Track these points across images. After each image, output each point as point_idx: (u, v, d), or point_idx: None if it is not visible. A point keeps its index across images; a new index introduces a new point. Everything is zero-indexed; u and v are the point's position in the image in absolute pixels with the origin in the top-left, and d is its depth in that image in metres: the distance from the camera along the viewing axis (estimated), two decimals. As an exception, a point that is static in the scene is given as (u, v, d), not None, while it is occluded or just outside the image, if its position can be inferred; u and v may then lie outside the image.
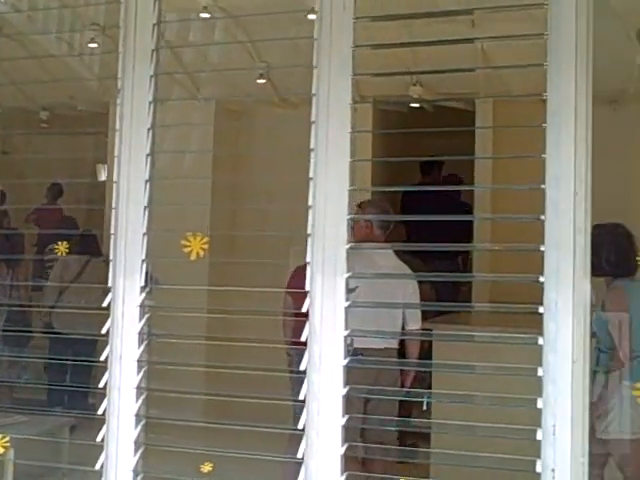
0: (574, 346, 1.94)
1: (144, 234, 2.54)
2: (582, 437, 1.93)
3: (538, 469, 1.90)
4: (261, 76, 6.06)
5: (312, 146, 2.35)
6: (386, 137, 5.82)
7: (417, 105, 6.52)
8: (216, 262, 4.48)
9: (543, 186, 2.06)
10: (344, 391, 2.19)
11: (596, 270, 3.52)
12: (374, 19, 2.55)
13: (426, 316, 4.24)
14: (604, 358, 3.60)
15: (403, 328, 3.94)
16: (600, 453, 3.44)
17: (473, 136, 5.86)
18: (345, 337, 2.22)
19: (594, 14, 2.18)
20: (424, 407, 3.63)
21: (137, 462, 2.43)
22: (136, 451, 2.44)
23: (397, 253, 3.97)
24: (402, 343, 3.97)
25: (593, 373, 3.51)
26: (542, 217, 2.04)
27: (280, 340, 3.96)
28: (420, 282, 4.94)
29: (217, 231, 4.74)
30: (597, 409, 3.43)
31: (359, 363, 2.29)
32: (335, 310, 2.24)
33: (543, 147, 2.10)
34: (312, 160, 2.35)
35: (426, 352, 4.03)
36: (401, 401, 3.71)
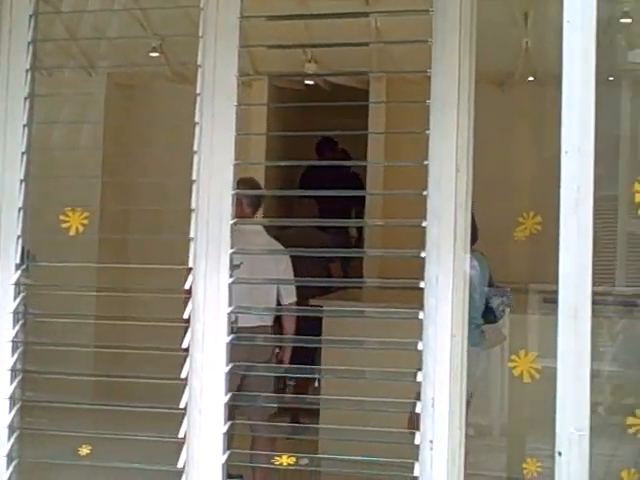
0: (453, 320, 1.97)
1: (20, 209, 2.42)
2: (460, 409, 1.97)
3: (417, 441, 1.93)
4: (154, 49, 5.89)
5: (197, 119, 2.29)
6: (282, 115, 5.79)
7: (312, 83, 6.51)
8: (108, 238, 4.36)
9: (426, 162, 2.08)
10: (227, 369, 2.16)
11: None
12: (263, -10, 2.51)
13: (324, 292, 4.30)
14: None
15: (279, 304, 3.93)
16: None
17: (367, 115, 5.91)
18: (229, 314, 2.18)
19: (481, -5, 2.21)
20: (316, 384, 3.65)
21: (11, 447, 2.33)
22: (10, 436, 2.33)
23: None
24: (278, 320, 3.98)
25: None
26: (425, 193, 2.06)
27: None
28: (330, 258, 4.98)
29: (109, 207, 4.60)
30: None
31: (243, 341, 2.27)
32: (219, 287, 2.20)
33: (427, 124, 2.12)
34: (197, 133, 2.29)
35: (312, 328, 4.03)
36: (282, 377, 3.68)
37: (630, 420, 2.33)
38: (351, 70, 5.21)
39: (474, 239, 3.81)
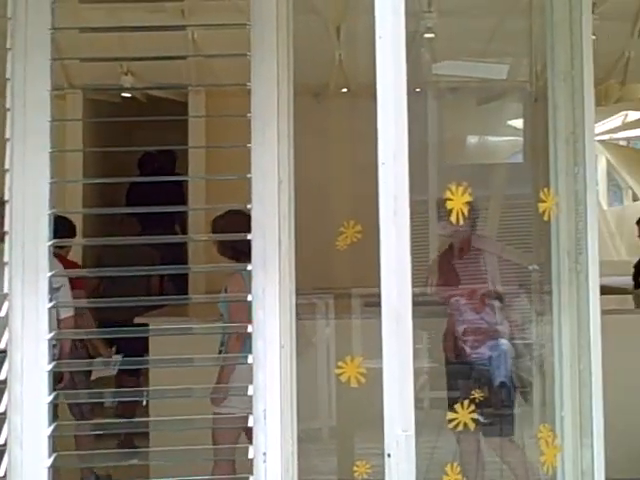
0: (282, 331, 1.99)
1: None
2: (291, 420, 1.99)
3: (250, 455, 1.93)
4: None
5: (7, 135, 2.17)
6: (98, 129, 5.62)
7: (130, 95, 6.38)
8: None
9: (249, 175, 2.09)
10: (49, 399, 2.05)
11: (222, 252, 3.73)
12: (81, 1, 2.43)
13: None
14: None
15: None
16: None
17: (187, 128, 5.88)
18: (49, 340, 2.08)
19: (295, 9, 2.26)
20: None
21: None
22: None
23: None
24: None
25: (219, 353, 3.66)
26: (249, 206, 2.07)
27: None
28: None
29: None
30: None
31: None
32: (38, 312, 2.09)
33: (249, 138, 2.13)
34: (8, 151, 2.16)
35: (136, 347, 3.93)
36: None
37: (450, 415, 2.46)
38: (169, 83, 5.16)
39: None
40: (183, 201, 6.18)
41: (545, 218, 2.43)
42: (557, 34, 2.62)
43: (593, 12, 5.39)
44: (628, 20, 5.77)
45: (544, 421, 2.44)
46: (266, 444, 1.93)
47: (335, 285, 4.51)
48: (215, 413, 3.27)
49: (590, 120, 2.53)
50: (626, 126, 10.73)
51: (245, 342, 3.70)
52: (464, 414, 2.41)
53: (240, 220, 3.81)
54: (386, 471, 1.48)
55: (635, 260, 7.15)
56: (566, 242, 2.49)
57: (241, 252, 3.89)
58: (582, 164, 2.51)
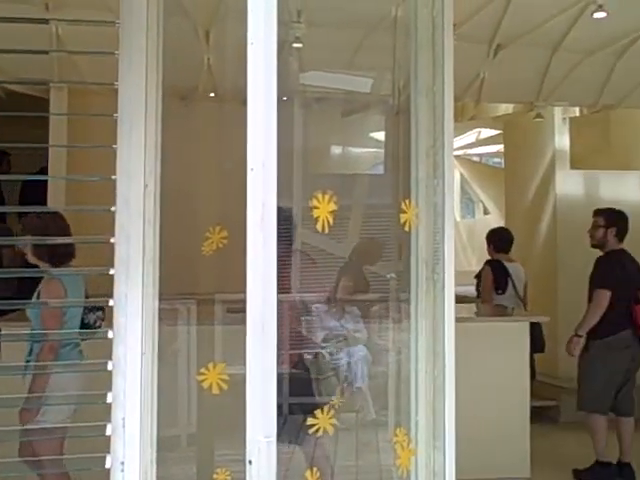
0: (144, 338, 1.95)
1: None
2: (151, 427, 1.95)
3: (107, 464, 1.88)
4: None
5: None
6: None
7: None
8: None
9: (114, 177, 2.04)
10: None
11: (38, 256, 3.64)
12: None
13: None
14: (37, 347, 3.60)
15: None
16: None
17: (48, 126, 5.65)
18: None
19: (166, 10, 2.22)
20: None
21: None
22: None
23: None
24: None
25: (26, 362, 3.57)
26: (113, 209, 2.01)
27: None
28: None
29: None
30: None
31: None
32: None
33: (115, 139, 2.08)
34: None
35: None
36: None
37: (310, 421, 2.49)
38: (28, 78, 4.95)
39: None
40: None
41: (406, 228, 2.51)
42: (420, 52, 2.71)
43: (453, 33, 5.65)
44: (484, 42, 6.07)
45: (400, 425, 2.52)
46: (124, 453, 1.88)
47: (199, 291, 4.47)
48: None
49: (449, 134, 2.63)
50: (479, 143, 11.30)
51: (58, 352, 3.58)
52: (324, 419, 2.45)
53: (58, 222, 3.70)
54: (247, 478, 1.48)
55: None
56: (424, 252, 2.58)
57: (61, 255, 3.77)
58: (441, 177, 2.61)
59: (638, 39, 5.80)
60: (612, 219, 5.94)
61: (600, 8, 5.01)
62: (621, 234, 5.88)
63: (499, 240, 7.32)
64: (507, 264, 7.12)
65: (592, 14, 5.14)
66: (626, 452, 5.62)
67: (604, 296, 5.50)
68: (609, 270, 5.68)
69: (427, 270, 2.57)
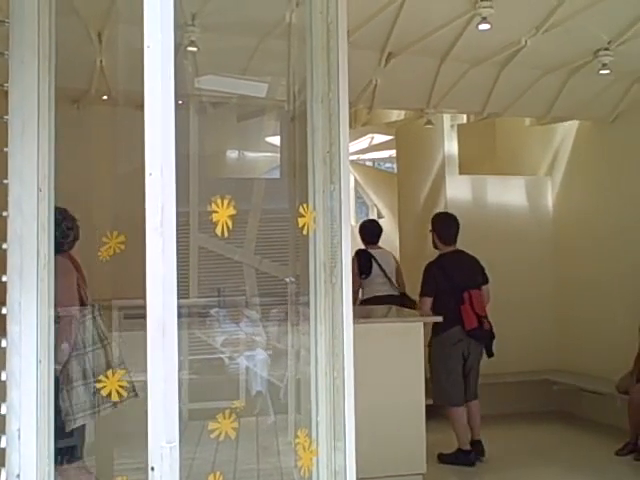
0: (39, 346, 1.90)
1: None
2: (48, 438, 1.90)
3: (3, 477, 1.82)
4: None
5: None
6: None
7: None
8: None
9: (6, 181, 1.98)
10: None
11: None
12: None
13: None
14: None
15: None
16: None
17: None
18: None
19: (57, 10, 2.17)
20: None
21: None
22: None
23: None
24: None
25: None
26: (5, 213, 1.95)
27: None
28: None
29: None
30: None
31: None
32: None
33: (6, 141, 2.02)
34: None
35: None
36: None
37: (211, 425, 2.48)
38: None
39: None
40: None
41: (304, 232, 2.55)
42: (315, 58, 2.75)
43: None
44: (377, 50, 6.20)
45: (301, 427, 2.55)
46: (20, 465, 1.83)
47: (96, 297, 4.37)
48: None
49: (345, 140, 2.69)
50: (373, 148, 11.52)
51: None
52: (226, 424, 2.45)
53: None
54: (149, 484, 1.47)
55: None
56: (323, 255, 2.63)
57: None
58: (337, 182, 2.66)
59: (520, 51, 6.05)
60: (433, 224, 6.55)
61: (484, 20, 5.19)
62: (445, 237, 6.39)
63: (367, 234, 7.86)
64: (372, 251, 7.64)
65: (477, 26, 5.32)
66: (476, 431, 6.27)
67: (425, 303, 6.16)
68: (430, 278, 6.25)
69: (325, 273, 2.61)
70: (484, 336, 6.21)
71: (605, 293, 7.62)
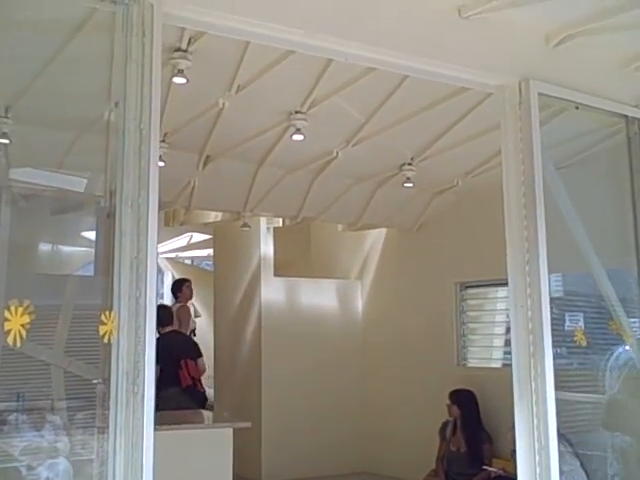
0: None
1: None
2: None
3: None
4: None
5: None
6: None
7: None
8: None
9: None
10: None
11: None
12: None
13: None
14: None
15: None
16: None
17: None
18: None
19: None
20: None
21: None
22: None
23: None
24: None
25: None
26: None
27: None
28: None
29: None
30: None
31: None
32: None
33: None
34: None
35: None
36: None
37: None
38: None
39: None
40: None
41: (105, 340, 2.50)
42: (127, 161, 2.77)
43: (164, 141, 5.84)
44: (196, 152, 6.32)
45: None
46: None
47: None
48: None
49: (153, 247, 2.70)
50: (191, 246, 11.53)
51: None
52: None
53: None
54: None
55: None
56: (125, 363, 2.58)
57: None
58: (143, 288, 2.65)
59: (332, 161, 6.40)
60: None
61: (299, 131, 5.47)
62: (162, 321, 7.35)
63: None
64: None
65: (292, 136, 5.59)
66: None
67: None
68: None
69: (127, 382, 2.56)
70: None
71: (411, 394, 7.94)
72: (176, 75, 4.44)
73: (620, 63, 4.05)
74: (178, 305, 8.32)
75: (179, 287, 8.48)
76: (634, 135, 4.08)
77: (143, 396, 2.53)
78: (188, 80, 4.49)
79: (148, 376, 2.56)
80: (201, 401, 7.48)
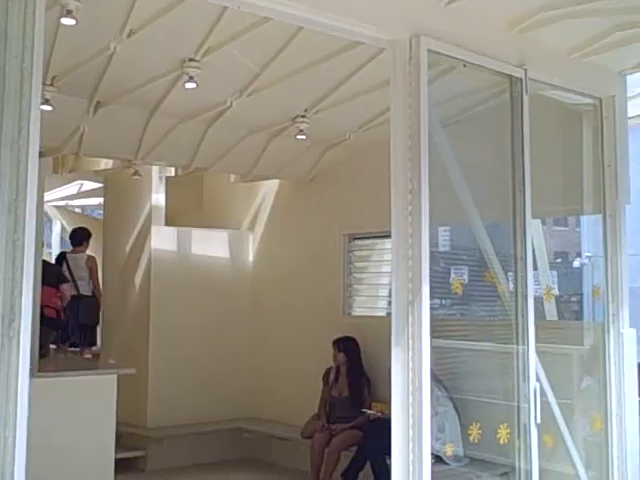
0: None
1: None
2: None
3: None
4: None
5: None
6: None
7: None
8: None
9: None
10: None
11: None
12: None
13: None
14: None
15: None
16: None
17: None
18: None
19: None
20: None
21: None
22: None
23: None
24: None
25: None
26: None
27: None
28: None
29: None
30: None
31: None
32: None
33: None
34: None
35: None
36: None
37: None
38: None
39: None
40: None
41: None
42: (7, 103, 2.67)
43: (53, 84, 5.60)
44: (85, 97, 6.11)
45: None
46: None
47: None
48: None
49: (32, 190, 2.63)
50: (82, 195, 11.20)
51: None
52: None
53: None
54: None
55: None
56: (1, 307, 2.51)
57: None
58: (21, 232, 2.58)
59: (226, 111, 6.33)
60: None
61: (191, 79, 5.37)
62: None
63: (71, 238, 9.04)
64: (68, 255, 8.72)
65: (184, 84, 5.48)
66: None
67: None
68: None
69: (3, 326, 2.50)
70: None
71: (296, 341, 8.09)
72: (65, 16, 4.27)
73: (507, 24, 4.17)
74: (88, 254, 8.72)
75: (87, 236, 8.83)
76: (517, 95, 4.22)
77: (19, 341, 2.48)
78: (77, 21, 4.32)
79: (24, 321, 2.50)
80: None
